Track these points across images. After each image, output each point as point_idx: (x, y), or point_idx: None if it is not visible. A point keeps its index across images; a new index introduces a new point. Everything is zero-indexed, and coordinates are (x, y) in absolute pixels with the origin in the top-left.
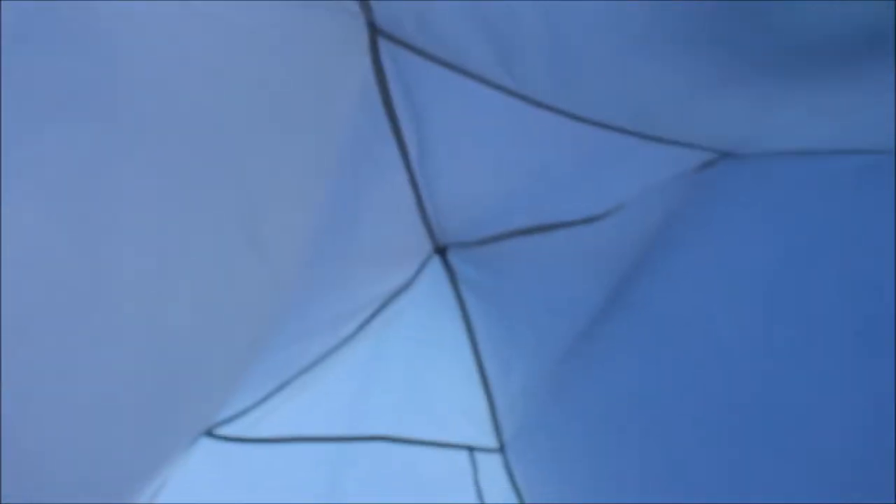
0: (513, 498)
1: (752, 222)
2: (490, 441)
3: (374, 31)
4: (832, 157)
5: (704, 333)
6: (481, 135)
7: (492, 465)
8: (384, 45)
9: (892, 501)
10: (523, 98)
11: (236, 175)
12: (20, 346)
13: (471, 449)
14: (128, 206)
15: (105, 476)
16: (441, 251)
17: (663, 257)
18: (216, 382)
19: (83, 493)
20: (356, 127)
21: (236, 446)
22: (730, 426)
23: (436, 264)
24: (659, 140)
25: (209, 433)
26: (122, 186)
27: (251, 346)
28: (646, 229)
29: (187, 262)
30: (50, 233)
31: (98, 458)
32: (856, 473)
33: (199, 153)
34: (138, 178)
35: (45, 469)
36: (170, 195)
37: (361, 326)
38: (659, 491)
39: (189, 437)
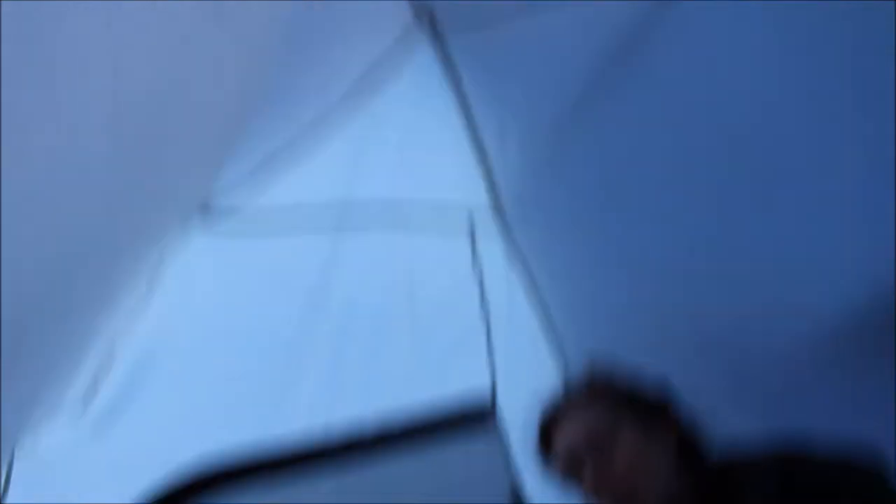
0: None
1: None
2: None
3: None
4: None
5: (705, 95)
6: None
7: (491, 247)
8: None
9: None
10: None
11: None
12: None
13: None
14: None
15: (100, 257)
16: (431, 18)
17: (666, 28)
18: (201, 162)
19: (77, 279)
20: None
21: (230, 241)
22: (720, 180)
23: (425, 30)
24: None
25: (203, 207)
26: None
27: (233, 130)
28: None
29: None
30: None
31: (92, 240)
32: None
33: None
34: None
35: (35, 260)
36: None
37: (351, 97)
38: (656, 247)
39: (183, 213)
